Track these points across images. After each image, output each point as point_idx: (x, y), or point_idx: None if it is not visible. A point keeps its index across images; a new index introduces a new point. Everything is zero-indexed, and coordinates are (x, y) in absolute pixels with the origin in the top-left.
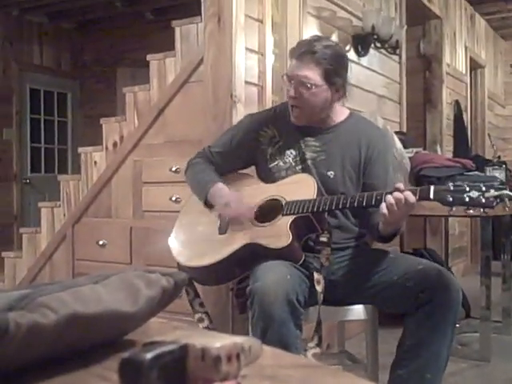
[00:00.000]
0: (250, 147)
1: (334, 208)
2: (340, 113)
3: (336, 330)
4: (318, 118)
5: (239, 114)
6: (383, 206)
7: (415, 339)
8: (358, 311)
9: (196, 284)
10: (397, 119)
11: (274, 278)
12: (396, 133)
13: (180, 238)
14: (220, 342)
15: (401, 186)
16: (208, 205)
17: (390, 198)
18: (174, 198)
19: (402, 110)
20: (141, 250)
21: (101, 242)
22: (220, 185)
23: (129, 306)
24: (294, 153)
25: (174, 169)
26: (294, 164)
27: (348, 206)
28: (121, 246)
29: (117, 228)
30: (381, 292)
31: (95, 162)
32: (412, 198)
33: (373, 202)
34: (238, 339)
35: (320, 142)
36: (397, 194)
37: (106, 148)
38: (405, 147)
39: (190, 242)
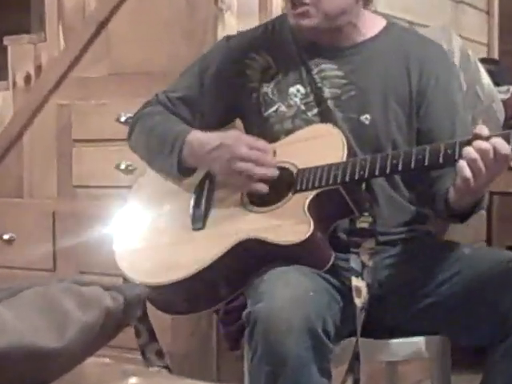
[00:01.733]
0: (232, 87)
1: (377, 173)
2: (371, 23)
3: (384, 374)
4: (337, 28)
5: (229, 29)
6: (462, 164)
7: (504, 382)
8: (417, 345)
9: (154, 315)
10: (484, 39)
11: (287, 294)
12: (482, 61)
13: (130, 241)
14: None
15: (483, 129)
16: (184, 168)
17: (469, 150)
18: (123, 166)
19: (493, 24)
20: (71, 248)
21: (6, 237)
22: (199, 133)
23: (51, 339)
24: (302, 90)
25: (123, 118)
26: (304, 108)
27: (400, 168)
28: (38, 242)
29: (32, 214)
30: (451, 312)
31: None
32: (505, 148)
33: (440, 160)
34: None
35: (344, 69)
36: (479, 143)
37: (14, 84)
38: (496, 83)
39: (147, 245)
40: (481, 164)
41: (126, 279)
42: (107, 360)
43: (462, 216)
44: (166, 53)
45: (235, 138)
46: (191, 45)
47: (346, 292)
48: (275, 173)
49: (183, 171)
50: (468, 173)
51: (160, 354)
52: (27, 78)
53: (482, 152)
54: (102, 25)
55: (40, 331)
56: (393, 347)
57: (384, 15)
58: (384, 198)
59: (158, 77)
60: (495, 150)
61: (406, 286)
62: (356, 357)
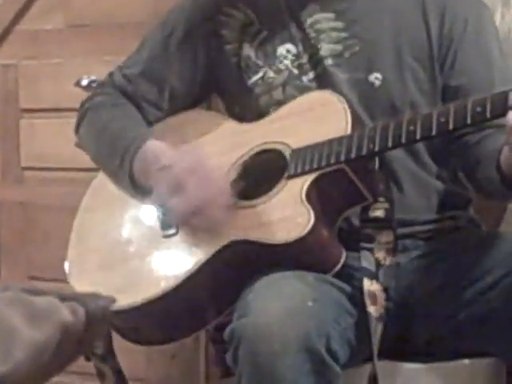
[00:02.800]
0: (205, 52)
1: (390, 145)
2: None
3: None
4: None
5: None
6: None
7: None
8: (459, 370)
9: (124, 348)
10: None
11: (280, 306)
12: None
13: (86, 258)
14: None
15: None
16: (137, 187)
17: None
18: (80, 146)
19: None
20: (18, 248)
21: None
22: (153, 144)
23: None
24: (293, 49)
25: (84, 82)
26: (297, 72)
27: (419, 135)
28: None
29: None
30: (504, 325)
31: None
32: None
33: (469, 119)
34: None
35: (345, 19)
36: None
37: None
38: None
39: (108, 262)
40: None
41: None
42: None
43: None
44: None
45: (191, 163)
46: None
47: (360, 300)
48: (227, 216)
49: (137, 188)
50: None
51: None
52: None
53: None
54: None
55: None
56: (426, 373)
57: None
58: (407, 178)
59: (131, 29)
60: None
61: (442, 291)
62: (374, 380)
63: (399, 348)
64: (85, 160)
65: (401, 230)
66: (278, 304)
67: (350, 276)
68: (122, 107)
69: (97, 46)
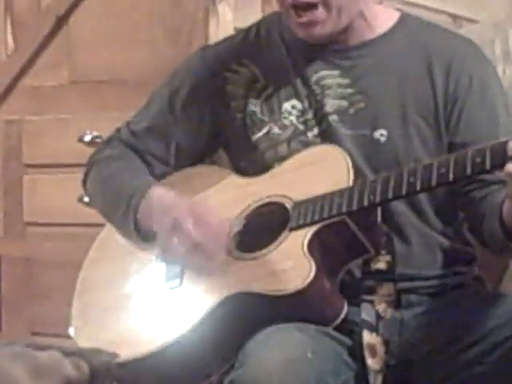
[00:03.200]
0: (210, 108)
1: (391, 196)
2: (383, 17)
3: None
4: (343, 27)
5: (222, 26)
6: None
7: None
8: None
9: None
10: None
11: (279, 356)
12: None
13: (91, 313)
14: None
15: None
16: (141, 235)
17: None
18: (87, 198)
19: None
20: (20, 302)
21: None
22: (158, 190)
23: None
24: (299, 105)
25: (87, 138)
26: (302, 128)
27: (419, 187)
28: None
29: None
30: None
31: None
32: None
33: (468, 169)
34: None
35: (350, 76)
36: None
37: None
38: None
39: (112, 317)
40: None
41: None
42: None
43: None
44: (143, 56)
45: (189, 205)
46: (175, 46)
47: (360, 353)
48: (219, 259)
49: (141, 236)
50: None
51: None
52: None
53: None
54: (62, 20)
55: None
56: None
57: (421, 7)
58: (412, 232)
59: (133, 86)
60: None
61: (444, 350)
62: None
63: None
64: (87, 215)
65: (404, 285)
66: (277, 354)
67: (349, 330)
68: (127, 160)
69: (100, 102)
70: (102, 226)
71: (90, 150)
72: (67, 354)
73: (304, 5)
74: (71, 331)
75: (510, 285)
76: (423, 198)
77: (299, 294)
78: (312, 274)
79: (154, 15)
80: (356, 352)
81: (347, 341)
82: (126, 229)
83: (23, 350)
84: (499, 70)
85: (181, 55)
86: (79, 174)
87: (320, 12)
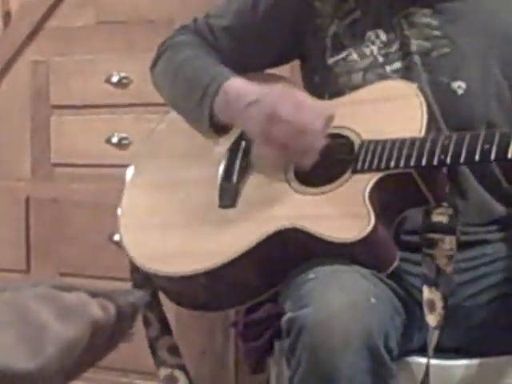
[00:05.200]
0: (294, 19)
1: (462, 161)
2: None
3: None
4: None
5: None
6: None
7: None
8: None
9: (168, 305)
10: None
11: (344, 299)
12: None
13: (138, 216)
14: None
15: None
16: (216, 125)
17: None
18: (115, 139)
19: None
20: (48, 243)
21: None
22: (238, 80)
23: (24, 359)
24: (383, 36)
25: (115, 79)
26: (381, 60)
27: (493, 157)
28: (7, 235)
29: (0, 199)
30: None
31: None
32: None
33: None
34: None
35: (441, 18)
36: None
37: None
38: None
39: (160, 223)
40: None
41: (133, 270)
42: None
43: None
44: None
45: (280, 93)
46: None
47: (410, 304)
48: (323, 143)
49: (216, 127)
50: None
51: (174, 350)
52: None
53: None
54: None
55: (10, 349)
56: (477, 368)
57: None
58: (471, 190)
59: (162, 26)
60: None
61: (504, 300)
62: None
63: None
64: (115, 156)
65: (466, 238)
66: (341, 297)
67: (404, 279)
68: (203, 48)
69: (127, 43)
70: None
71: (118, 91)
72: (94, 295)
73: None
74: (121, 229)
75: None
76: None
77: (355, 244)
78: (370, 227)
79: None
80: (406, 302)
81: (398, 289)
82: (198, 119)
83: (50, 292)
84: None
85: None
86: (106, 115)
87: None
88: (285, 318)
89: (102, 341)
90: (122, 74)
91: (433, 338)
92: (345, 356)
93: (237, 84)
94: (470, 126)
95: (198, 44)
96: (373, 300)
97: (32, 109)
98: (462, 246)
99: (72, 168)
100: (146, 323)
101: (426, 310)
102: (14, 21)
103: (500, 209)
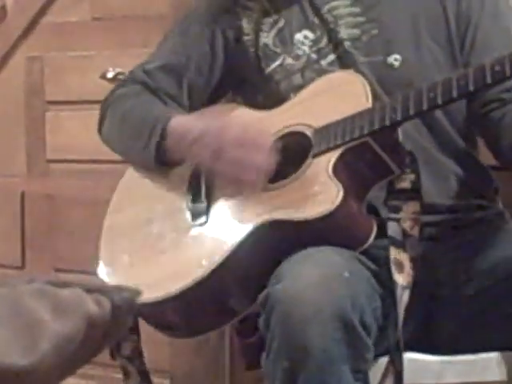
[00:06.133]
0: (223, 44)
1: (412, 113)
2: None
3: None
4: None
5: None
6: None
7: None
8: (488, 361)
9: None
10: None
11: (315, 273)
12: None
13: (118, 255)
14: None
15: None
16: (166, 163)
17: None
18: (105, 143)
19: None
20: (43, 239)
21: None
22: (181, 118)
23: (19, 355)
24: (311, 35)
25: (110, 74)
26: (315, 56)
27: (441, 100)
28: (2, 231)
29: None
30: None
31: None
32: None
33: (488, 78)
34: None
35: (361, 4)
36: None
37: None
38: None
39: (140, 258)
40: None
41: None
42: (89, 382)
43: None
44: None
45: (221, 126)
46: None
47: (388, 283)
48: (273, 158)
49: (166, 163)
50: None
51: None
52: None
53: None
54: None
55: (4, 345)
56: (451, 365)
57: None
58: (424, 161)
59: (156, 22)
60: None
61: (466, 284)
62: (397, 347)
63: (424, 341)
64: (110, 152)
65: (428, 218)
66: (313, 270)
67: (376, 256)
68: (143, 96)
69: (122, 39)
70: (125, 162)
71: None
72: (89, 290)
73: None
74: (101, 277)
75: None
76: (445, 122)
77: (329, 216)
78: (340, 196)
79: None
80: (383, 280)
81: (374, 268)
82: (149, 162)
83: (45, 287)
84: None
85: None
86: None
87: None
88: (261, 296)
89: (97, 336)
90: (118, 70)
91: (403, 298)
92: (316, 326)
93: (178, 122)
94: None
95: (137, 92)
96: (346, 274)
97: (27, 104)
98: (453, 228)
99: (67, 164)
100: (126, 375)
101: (393, 269)
102: (10, 16)
103: (480, 183)
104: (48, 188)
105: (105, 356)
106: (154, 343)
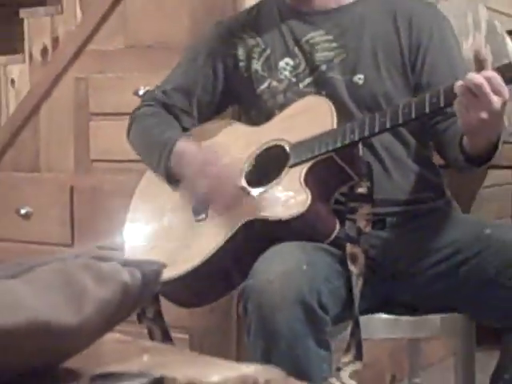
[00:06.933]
0: (224, 68)
1: (367, 134)
2: None
3: (406, 351)
4: None
5: (248, 2)
6: (457, 99)
7: None
8: (432, 323)
9: (171, 310)
10: None
11: (279, 268)
12: (510, 33)
13: (138, 243)
14: (219, 373)
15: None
16: (172, 179)
17: (459, 84)
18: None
19: None
20: (88, 223)
21: (23, 211)
22: (182, 144)
23: (68, 315)
24: (291, 62)
25: (141, 92)
26: (294, 80)
27: (389, 124)
28: (55, 216)
29: (49, 188)
30: (468, 293)
31: (12, 81)
32: (498, 81)
33: (427, 108)
34: (249, 369)
35: (333, 33)
36: (472, 76)
37: (31, 57)
38: None
39: (154, 244)
40: (471, 96)
41: None
42: (127, 337)
43: (477, 159)
44: (185, 25)
45: (210, 159)
46: (211, 16)
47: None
48: (233, 191)
49: (172, 179)
50: (457, 106)
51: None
52: (44, 51)
53: (475, 84)
54: None
55: (57, 307)
56: (405, 324)
57: None
58: (391, 161)
59: (177, 50)
60: (490, 80)
61: (420, 261)
62: (356, 323)
63: (385, 307)
64: None
65: (386, 209)
66: (277, 267)
67: (340, 244)
68: (159, 116)
69: (150, 63)
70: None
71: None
72: (124, 264)
73: None
74: (124, 253)
75: (477, 212)
76: (406, 131)
77: (300, 217)
78: (309, 201)
79: None
80: (345, 262)
81: (338, 253)
82: (160, 174)
83: (89, 261)
84: (470, 37)
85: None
86: None
87: None
88: (239, 288)
89: (129, 301)
90: (147, 88)
91: (358, 284)
92: (282, 312)
93: (182, 147)
94: (375, 104)
95: (156, 112)
96: (304, 267)
97: (75, 116)
98: (392, 214)
99: (107, 163)
100: (151, 334)
101: (349, 261)
102: (61, 44)
103: (425, 173)
104: (91, 182)
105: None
106: (175, 306)
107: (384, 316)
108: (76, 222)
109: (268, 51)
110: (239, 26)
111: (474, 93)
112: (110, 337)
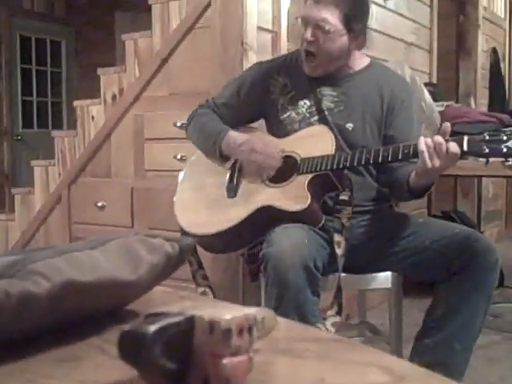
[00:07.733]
0: (260, 98)
1: (355, 164)
2: (359, 61)
3: (356, 299)
4: (334, 67)
5: (250, 62)
6: (422, 145)
7: (446, 307)
8: (381, 279)
9: (201, 252)
10: (426, 69)
11: (290, 242)
12: (425, 84)
13: (184, 203)
14: (230, 313)
15: (446, 127)
16: (223, 156)
17: (428, 141)
18: (178, 156)
19: (433, 59)
20: (143, 212)
21: (99, 204)
22: (234, 132)
23: (129, 274)
24: (308, 103)
25: (178, 124)
26: (308, 115)
27: (372, 161)
28: (121, 208)
29: (117, 188)
30: (410, 258)
31: (92, 117)
32: (455, 148)
33: (400, 156)
34: (250, 310)
35: (338, 92)
36: (438, 137)
37: (105, 101)
38: (435, 100)
39: (196, 207)
40: (435, 152)
41: (182, 233)
42: (168, 289)
43: (418, 193)
44: (208, 79)
45: (255, 140)
46: (225, 73)
47: (331, 242)
48: (279, 163)
49: (222, 156)
50: (425, 155)
51: (205, 277)
52: (113, 97)
53: (438, 144)
54: (165, 60)
55: (121, 269)
56: (365, 280)
57: (371, 56)
58: (360, 180)
59: (202, 96)
60: (448, 146)
61: (375, 240)
62: (339, 289)
63: (353, 268)
64: (178, 165)
65: (356, 209)
66: (287, 241)
67: (327, 231)
68: (211, 116)
69: (184, 105)
70: (181, 170)
71: (180, 131)
72: (167, 239)
73: (308, 52)
74: (176, 213)
75: (403, 207)
76: (373, 166)
77: (300, 211)
78: (308, 201)
79: (214, 57)
80: (328, 242)
81: (324, 235)
82: (213, 154)
83: (144, 238)
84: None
85: (228, 79)
86: (174, 144)
87: (315, 56)
88: (261, 253)
89: (171, 265)
90: (182, 122)
91: (341, 262)
92: (291, 272)
93: (232, 134)
94: (356, 145)
95: (209, 113)
96: (306, 241)
97: (134, 140)
98: (359, 213)
99: (156, 172)
100: (190, 263)
101: (335, 246)
102: (125, 93)
103: (378, 189)
104: (146, 184)
105: (174, 274)
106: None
107: (344, 275)
108: (135, 212)
109: (293, 92)
110: (275, 69)
111: (435, 148)
112: (158, 289)
